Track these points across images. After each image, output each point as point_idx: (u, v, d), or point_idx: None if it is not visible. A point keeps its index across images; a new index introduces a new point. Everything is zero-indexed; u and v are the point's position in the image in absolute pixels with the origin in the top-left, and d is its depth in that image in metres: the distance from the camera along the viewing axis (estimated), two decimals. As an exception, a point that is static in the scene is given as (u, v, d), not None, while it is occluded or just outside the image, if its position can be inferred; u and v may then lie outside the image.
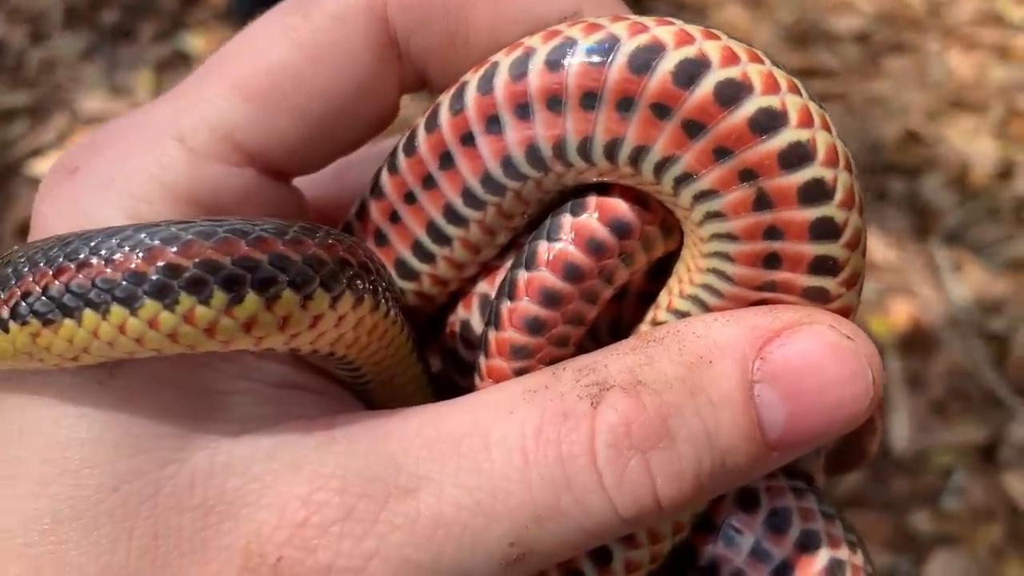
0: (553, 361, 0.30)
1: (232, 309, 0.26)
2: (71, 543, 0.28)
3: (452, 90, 0.30)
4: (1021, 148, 1.84)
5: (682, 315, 0.30)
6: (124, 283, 0.26)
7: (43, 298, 0.27)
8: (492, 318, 0.31)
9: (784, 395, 0.27)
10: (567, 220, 0.29)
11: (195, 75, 0.33)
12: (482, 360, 0.31)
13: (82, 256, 0.26)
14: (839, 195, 0.27)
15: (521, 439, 0.28)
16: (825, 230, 0.27)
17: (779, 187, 0.27)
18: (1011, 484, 1.34)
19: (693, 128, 0.27)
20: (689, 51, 0.27)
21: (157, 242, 0.26)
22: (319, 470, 0.28)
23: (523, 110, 0.28)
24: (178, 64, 2.06)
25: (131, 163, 0.31)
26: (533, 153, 0.29)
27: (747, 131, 0.26)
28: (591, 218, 0.29)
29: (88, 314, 0.26)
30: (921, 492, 1.35)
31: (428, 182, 0.31)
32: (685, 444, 0.27)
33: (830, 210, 0.27)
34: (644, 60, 0.27)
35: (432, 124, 0.31)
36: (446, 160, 0.30)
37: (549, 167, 0.29)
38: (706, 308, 0.30)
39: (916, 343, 1.52)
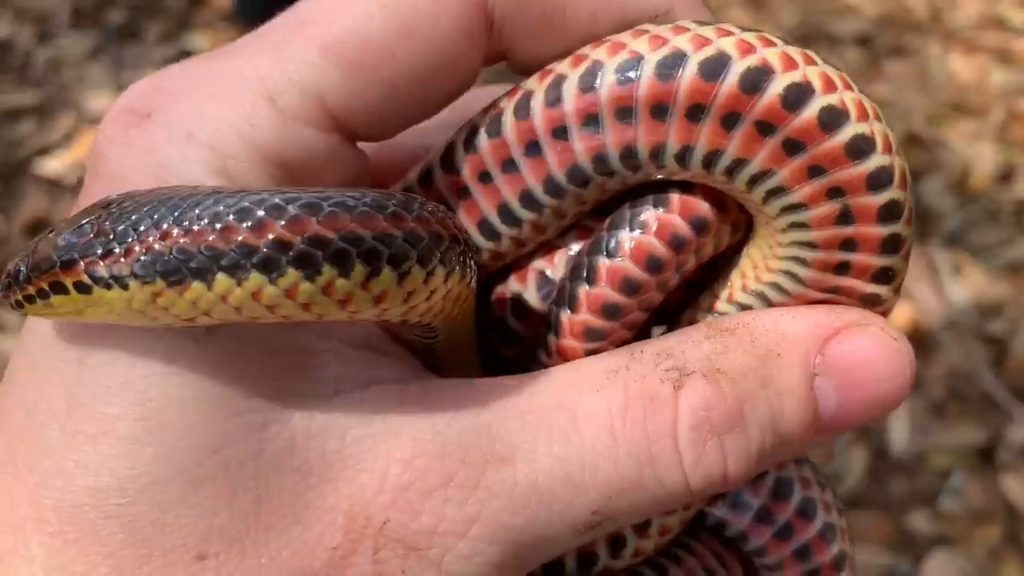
0: (620, 343, 0.32)
1: (369, 283, 0.26)
2: (170, 505, 0.28)
3: (547, 81, 0.31)
4: (1021, 152, 1.84)
5: (743, 307, 0.32)
6: (266, 251, 0.25)
7: (171, 258, 0.26)
8: (567, 300, 0.32)
9: (838, 387, 0.30)
10: (651, 214, 0.31)
11: (272, 30, 0.32)
12: (552, 338, 0.32)
13: (218, 219, 0.26)
14: (906, 214, 0.30)
15: (608, 417, 0.29)
16: (893, 245, 0.30)
17: (862, 205, 0.29)
18: (1009, 485, 1.35)
19: (793, 147, 0.29)
20: (795, 76, 0.29)
21: (298, 211, 0.26)
22: (418, 436, 0.29)
23: (625, 113, 0.29)
24: (184, 64, 2.07)
25: (216, 117, 0.30)
26: (628, 154, 0.30)
27: (843, 154, 0.29)
28: (674, 215, 0.31)
29: (221, 278, 0.26)
30: (919, 493, 1.36)
31: (508, 166, 0.32)
32: (754, 428, 0.30)
33: (899, 227, 0.30)
34: (754, 81, 0.28)
35: (524, 111, 0.31)
36: (532, 148, 0.31)
37: (641, 167, 0.30)
38: (768, 303, 0.32)
39: (915, 345, 1.52)
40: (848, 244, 0.30)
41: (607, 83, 0.29)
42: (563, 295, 0.32)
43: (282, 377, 0.29)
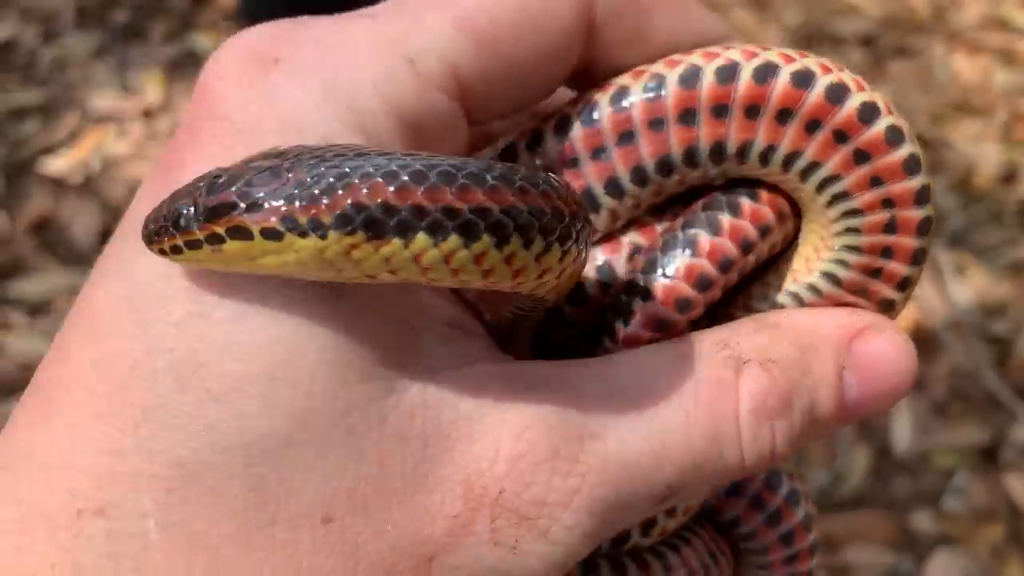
0: (678, 334, 0.34)
1: (542, 256, 0.28)
2: (299, 466, 0.27)
3: (643, 78, 0.34)
4: (1025, 152, 1.85)
5: (778, 305, 0.36)
6: (468, 216, 0.26)
7: (377, 213, 0.26)
8: (641, 292, 0.34)
9: (861, 379, 0.34)
10: (726, 219, 0.34)
11: (400, 3, 0.32)
12: (620, 326, 0.34)
13: (423, 179, 0.26)
14: (932, 229, 0.35)
15: (682, 398, 0.32)
16: (920, 257, 0.34)
17: (907, 218, 0.33)
18: (1012, 485, 1.35)
19: (862, 157, 0.33)
20: (868, 96, 0.33)
21: (496, 182, 0.27)
22: (524, 411, 0.30)
23: (721, 111, 0.33)
24: (188, 64, 2.07)
25: (354, 72, 0.30)
26: (718, 149, 0.33)
27: (900, 169, 0.33)
28: (746, 220, 0.34)
29: (421, 237, 0.26)
30: (922, 492, 1.36)
31: (599, 152, 0.34)
32: (797, 413, 0.33)
33: (928, 241, 0.34)
34: (837, 94, 0.33)
35: (620, 103, 0.34)
36: (626, 137, 0.34)
37: (725, 161, 0.34)
38: (801, 303, 0.36)
39: (919, 345, 1.52)
40: (887, 251, 0.34)
41: (707, 83, 0.33)
42: (635, 286, 0.34)
43: (398, 346, 0.29)
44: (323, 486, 0.28)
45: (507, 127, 0.38)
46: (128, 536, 0.27)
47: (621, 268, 0.36)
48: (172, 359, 0.28)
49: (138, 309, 0.28)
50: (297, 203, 0.26)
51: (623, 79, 0.34)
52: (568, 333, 0.36)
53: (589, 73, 0.35)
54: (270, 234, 0.26)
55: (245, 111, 0.30)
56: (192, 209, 0.27)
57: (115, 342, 0.28)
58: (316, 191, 0.26)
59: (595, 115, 0.34)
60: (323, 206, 0.26)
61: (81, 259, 1.67)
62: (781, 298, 0.36)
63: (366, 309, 0.29)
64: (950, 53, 2.08)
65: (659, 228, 0.36)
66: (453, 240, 0.26)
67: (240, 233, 0.26)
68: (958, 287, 1.59)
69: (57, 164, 1.84)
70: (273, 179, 0.26)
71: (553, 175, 0.29)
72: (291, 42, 0.31)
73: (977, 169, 1.80)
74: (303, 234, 0.26)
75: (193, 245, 0.27)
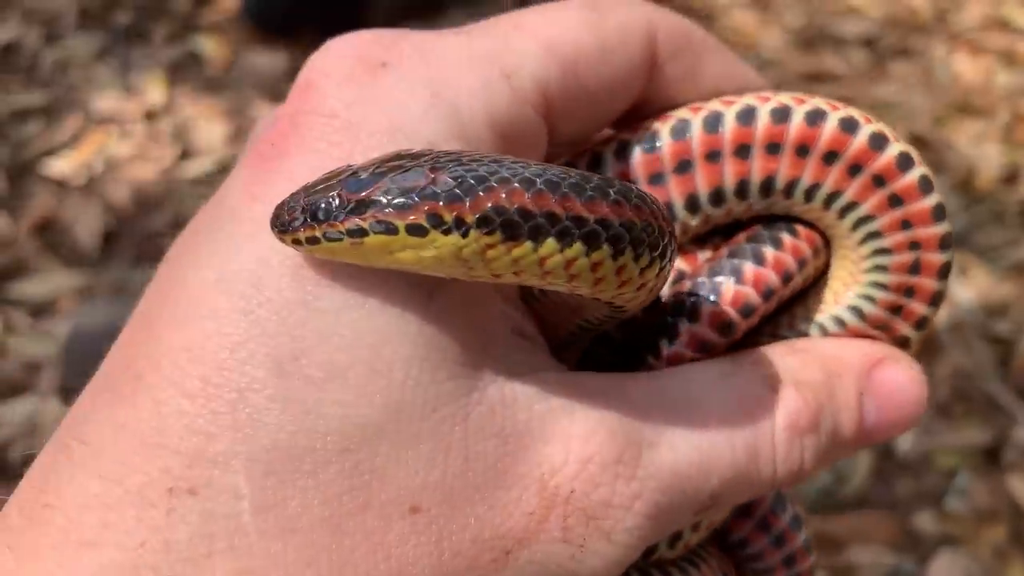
0: (718, 354, 0.36)
1: (646, 267, 0.30)
2: (391, 456, 0.28)
3: (702, 114, 0.36)
4: (1027, 153, 1.85)
5: (802, 334, 0.38)
6: (594, 225, 0.28)
7: (514, 215, 0.28)
8: (688, 314, 0.36)
9: (879, 406, 0.36)
10: (769, 252, 0.37)
11: (490, 25, 0.34)
12: (665, 343, 0.36)
13: (556, 188, 0.28)
14: (949, 274, 0.37)
15: (727, 413, 0.33)
16: (939, 299, 0.37)
17: (930, 261, 0.36)
18: (1014, 486, 1.35)
19: (896, 201, 0.35)
20: (903, 146, 0.35)
21: (617, 196, 0.29)
22: (588, 416, 0.31)
23: (774, 148, 0.35)
24: (190, 65, 2.08)
25: (456, 82, 0.32)
26: (767, 182, 0.36)
27: (929, 216, 0.36)
28: (787, 254, 0.37)
29: (550, 242, 0.28)
30: (925, 493, 1.36)
31: (656, 179, 0.37)
32: (823, 433, 0.35)
33: (946, 285, 0.37)
34: (879, 142, 0.35)
35: (681, 133, 0.37)
36: (684, 166, 0.37)
37: (771, 197, 0.37)
38: (825, 333, 0.38)
39: (921, 345, 1.53)
40: (910, 291, 0.36)
41: (763, 122, 0.35)
42: (682, 308, 0.36)
43: (478, 348, 0.31)
44: (413, 477, 0.29)
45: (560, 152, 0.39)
46: (222, 516, 0.27)
47: (665, 291, 0.37)
48: (273, 344, 0.28)
49: (237, 294, 0.29)
50: (442, 202, 0.27)
51: (682, 112, 0.36)
52: (612, 349, 0.38)
53: (646, 108, 0.38)
54: (415, 230, 0.27)
55: (353, 110, 0.31)
56: (335, 202, 0.28)
57: (211, 324, 0.29)
58: (459, 192, 0.27)
59: (657, 143, 0.36)
60: (466, 206, 0.27)
61: (83, 260, 1.67)
62: (807, 327, 0.38)
63: (452, 312, 0.30)
64: (951, 54, 2.08)
65: (701, 257, 0.38)
66: (577, 247, 0.28)
67: (385, 227, 0.28)
68: (960, 288, 1.59)
69: (60, 165, 1.84)
70: (417, 178, 0.28)
71: (647, 193, 0.31)
72: (396, 48, 0.32)
73: (979, 170, 1.80)
74: (447, 231, 0.27)
75: (333, 237, 0.28)
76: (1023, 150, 1.85)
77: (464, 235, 0.27)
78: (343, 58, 0.32)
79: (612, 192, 0.29)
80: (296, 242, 0.28)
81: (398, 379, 0.29)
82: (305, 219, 0.28)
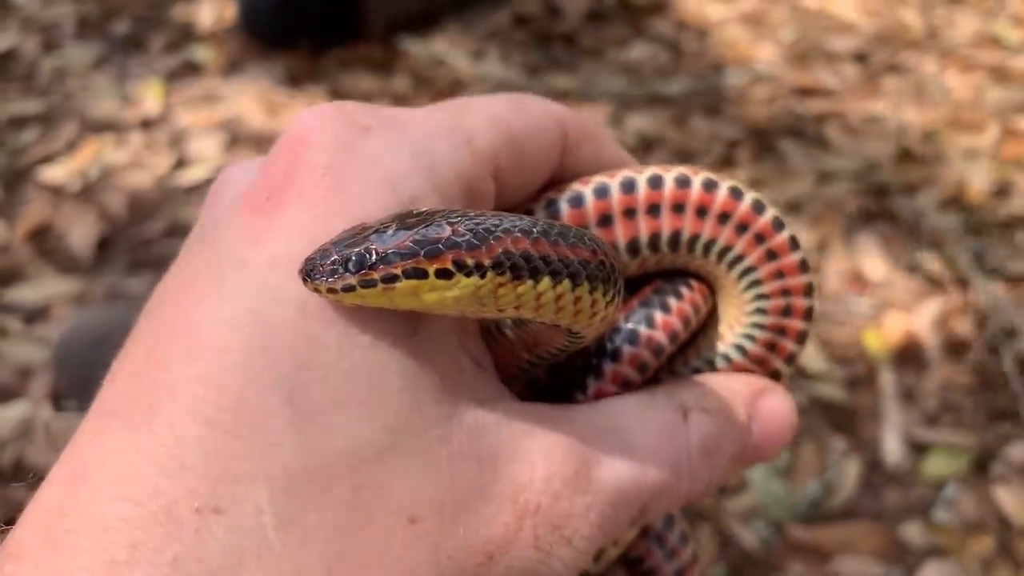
0: (635, 388, 0.42)
1: (597, 297, 0.35)
2: (393, 473, 0.32)
3: (591, 183, 0.42)
4: (1017, 168, 1.86)
5: (695, 370, 0.45)
6: (577, 265, 0.34)
7: (519, 259, 0.33)
8: (612, 355, 0.42)
9: (761, 428, 0.42)
10: (674, 302, 0.43)
11: (447, 105, 0.39)
12: (592, 380, 0.42)
13: (547, 235, 0.34)
14: (811, 319, 0.44)
15: (651, 437, 0.38)
16: (803, 338, 0.44)
17: (797, 305, 0.43)
18: (1002, 498, 1.36)
19: (771, 255, 0.42)
20: (754, 195, 0.42)
21: (591, 243, 0.35)
22: (546, 439, 0.36)
23: (654, 209, 0.42)
24: (187, 74, 2.09)
25: (432, 144, 0.36)
26: (674, 236, 0.42)
27: (796, 268, 0.43)
28: (686, 304, 0.43)
29: (545, 280, 0.33)
30: (913, 504, 1.37)
31: (605, 221, 0.43)
32: (726, 452, 0.40)
33: (809, 326, 0.44)
34: (738, 195, 0.42)
35: (576, 202, 0.42)
36: (604, 220, 0.42)
37: (659, 252, 0.42)
38: (714, 368, 0.44)
39: (910, 357, 1.53)
40: (782, 331, 0.43)
41: (642, 188, 0.41)
42: (605, 351, 0.42)
43: (453, 379, 0.35)
44: (410, 491, 0.32)
45: None
46: (248, 531, 0.30)
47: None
48: (283, 376, 0.32)
49: (250, 331, 0.32)
50: (464, 249, 0.32)
51: (599, 177, 0.42)
52: (539, 390, 0.44)
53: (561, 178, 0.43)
54: (442, 274, 0.32)
55: (346, 166, 0.35)
56: (371, 255, 0.32)
57: (228, 358, 0.32)
58: (475, 241, 0.32)
59: (583, 200, 0.42)
60: (483, 252, 0.32)
61: (78, 267, 1.68)
62: (699, 364, 0.45)
63: (431, 346, 0.34)
64: (943, 70, 2.10)
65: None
66: (565, 283, 0.33)
67: (416, 273, 0.32)
68: (950, 299, 1.60)
69: (56, 172, 1.85)
70: (439, 230, 0.32)
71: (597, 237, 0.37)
72: (378, 116, 0.37)
73: (969, 185, 1.81)
74: (469, 274, 0.32)
75: (368, 284, 0.32)
76: (1013, 166, 1.86)
77: (482, 276, 0.32)
78: (333, 121, 0.36)
79: (586, 239, 0.35)
80: (331, 291, 0.32)
81: (393, 406, 0.32)
82: (337, 270, 0.32)
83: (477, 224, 0.33)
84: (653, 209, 0.42)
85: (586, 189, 0.42)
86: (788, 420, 0.42)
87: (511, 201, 0.42)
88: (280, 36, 2.12)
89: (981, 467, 1.40)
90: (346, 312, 0.33)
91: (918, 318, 1.58)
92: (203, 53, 2.14)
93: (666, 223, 0.42)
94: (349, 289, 0.32)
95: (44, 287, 1.64)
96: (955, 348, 1.55)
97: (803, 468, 1.40)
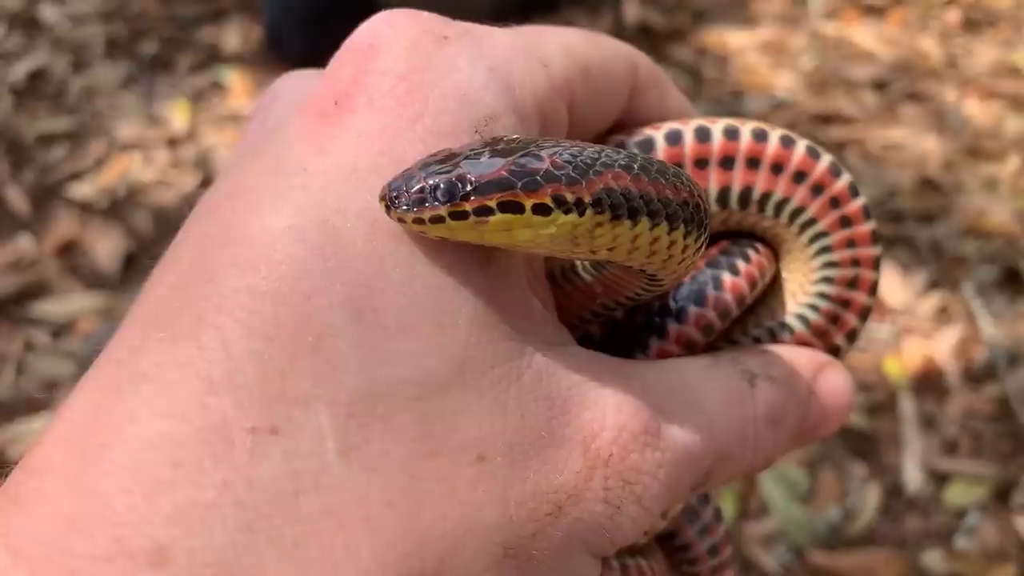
0: (699, 351, 0.41)
1: (688, 237, 0.33)
2: (460, 407, 0.30)
3: (663, 128, 0.40)
4: (1036, 197, 1.86)
5: (755, 339, 0.43)
6: (675, 206, 0.32)
7: (619, 197, 0.30)
8: (678, 315, 0.40)
9: (822, 405, 0.40)
10: (742, 265, 0.41)
11: (518, 29, 0.37)
12: (654, 340, 0.40)
13: (649, 172, 0.31)
14: (875, 293, 0.42)
15: (718, 401, 0.36)
16: (866, 313, 0.42)
17: (865, 277, 0.41)
18: None
19: (845, 222, 0.41)
20: (800, 140, 0.40)
21: (689, 183, 0.33)
22: (616, 389, 0.33)
23: (728, 162, 0.40)
24: (213, 95, 2.12)
25: (509, 61, 0.34)
26: (723, 193, 0.40)
27: (868, 237, 0.41)
28: (753, 267, 0.41)
29: (643, 221, 0.31)
30: (934, 531, 1.36)
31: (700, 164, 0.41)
32: (789, 422, 0.39)
33: (872, 301, 0.42)
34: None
35: (674, 140, 0.41)
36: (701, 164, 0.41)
37: (748, 208, 0.41)
38: (775, 337, 0.43)
39: (931, 385, 1.53)
40: (847, 303, 0.42)
41: (717, 139, 0.40)
42: (670, 311, 0.40)
43: (524, 318, 0.32)
44: (477, 427, 0.30)
45: None
46: (307, 455, 0.28)
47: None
48: (349, 294, 0.29)
49: (312, 242, 0.29)
50: (563, 183, 0.29)
51: (671, 123, 0.41)
52: (595, 346, 0.40)
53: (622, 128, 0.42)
54: (540, 209, 0.29)
55: (421, 74, 0.32)
56: (464, 184, 0.29)
57: (283, 268, 0.29)
58: (575, 175, 0.30)
59: (654, 146, 0.40)
60: (583, 187, 0.30)
61: (104, 282, 1.70)
62: (760, 333, 0.43)
63: (502, 281, 0.32)
64: (962, 99, 2.11)
65: None
66: (663, 226, 0.31)
67: (512, 207, 0.29)
68: (970, 328, 1.60)
69: (84, 189, 1.88)
70: (536, 161, 0.29)
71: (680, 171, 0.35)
72: (453, 27, 0.34)
73: (989, 214, 1.82)
74: (567, 211, 0.29)
75: (459, 215, 0.29)
76: (1033, 194, 1.87)
77: (581, 214, 0.30)
78: (407, 27, 0.33)
79: (684, 178, 0.32)
80: (418, 221, 0.29)
81: (462, 336, 0.30)
82: (425, 199, 0.29)
83: (575, 156, 0.30)
84: (727, 162, 0.40)
85: (657, 134, 0.40)
86: (848, 399, 0.41)
87: (579, 137, 0.38)
88: (305, 57, 2.14)
89: (1002, 496, 1.39)
90: (419, 233, 0.30)
91: (937, 345, 1.58)
92: (229, 74, 2.17)
93: (738, 178, 0.40)
94: (437, 220, 0.29)
95: (71, 302, 1.66)
96: (974, 376, 1.55)
97: (824, 493, 1.39)
